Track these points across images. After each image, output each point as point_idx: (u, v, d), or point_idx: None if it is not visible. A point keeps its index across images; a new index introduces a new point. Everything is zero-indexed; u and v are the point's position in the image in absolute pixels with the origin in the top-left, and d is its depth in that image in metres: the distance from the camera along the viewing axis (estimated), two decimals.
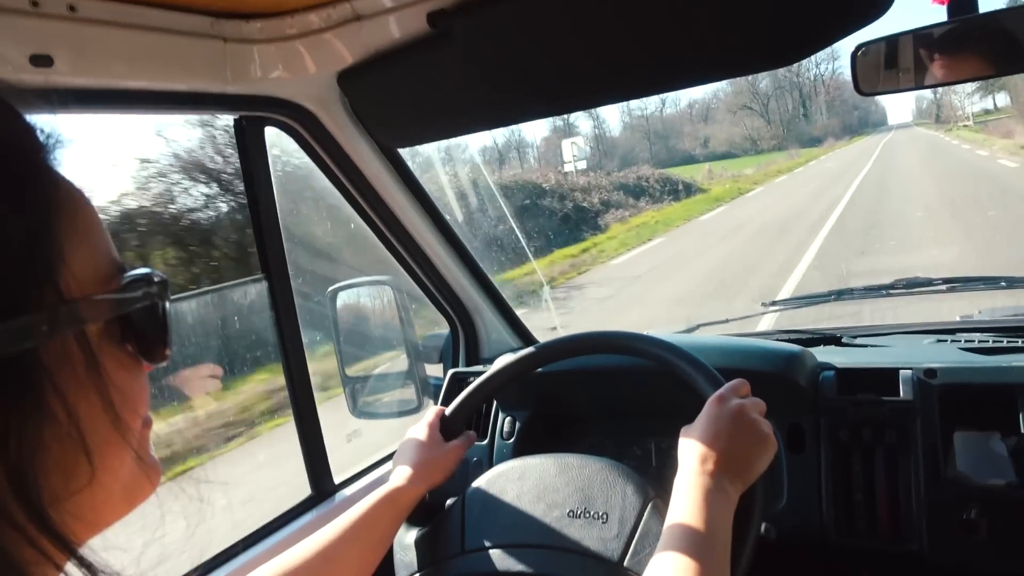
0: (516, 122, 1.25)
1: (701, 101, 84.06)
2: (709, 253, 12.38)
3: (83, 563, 0.37)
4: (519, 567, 0.96)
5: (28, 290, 0.35)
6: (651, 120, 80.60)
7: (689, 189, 26.60)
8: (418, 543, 1.04)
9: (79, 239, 0.39)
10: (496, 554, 0.98)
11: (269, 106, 1.21)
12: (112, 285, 0.41)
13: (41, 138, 0.39)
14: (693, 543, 0.74)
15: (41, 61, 0.80)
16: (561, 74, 1.07)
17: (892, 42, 1.02)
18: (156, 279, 0.44)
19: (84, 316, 0.38)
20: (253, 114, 1.23)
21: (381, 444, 1.63)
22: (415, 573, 1.02)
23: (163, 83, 1.03)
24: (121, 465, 0.41)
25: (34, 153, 0.39)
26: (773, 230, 13.41)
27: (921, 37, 1.00)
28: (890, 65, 1.03)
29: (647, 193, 23.70)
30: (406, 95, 1.20)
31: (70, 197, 0.40)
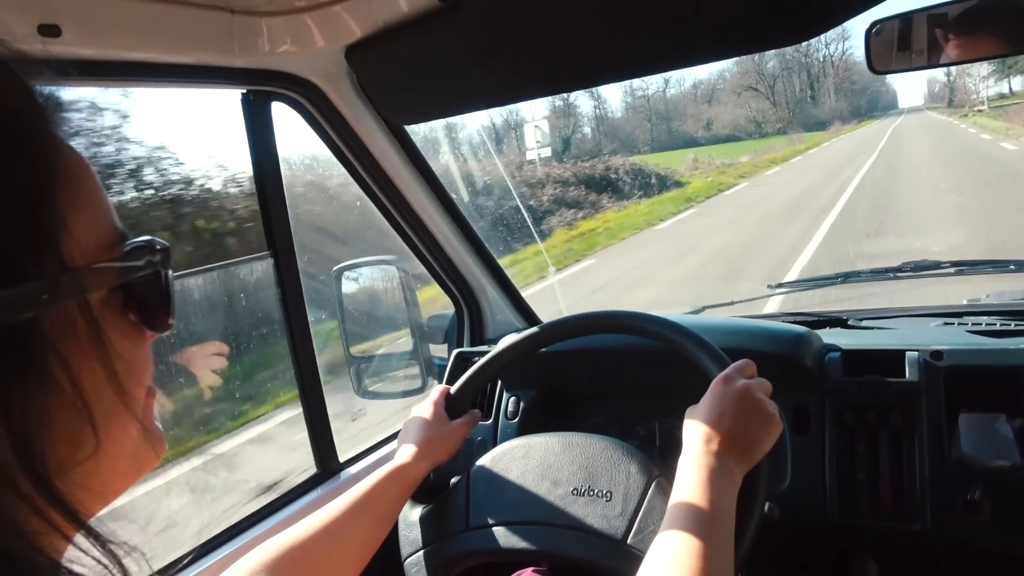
0: (524, 99, 1.24)
1: (706, 81, 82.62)
2: (643, 287, 8.79)
3: (91, 533, 0.37)
4: (523, 544, 0.97)
5: (29, 257, 0.35)
6: (653, 101, 78.99)
7: (664, 183, 22.51)
8: (423, 520, 1.05)
9: (80, 205, 0.39)
10: (500, 531, 0.99)
11: (276, 81, 1.21)
12: (114, 253, 0.41)
13: (40, 101, 0.39)
14: (697, 521, 0.74)
15: (49, 31, 0.80)
16: (569, 51, 1.06)
17: (907, 20, 1.01)
18: (158, 247, 0.44)
19: (87, 284, 0.38)
20: (260, 88, 1.22)
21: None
22: (420, 549, 1.03)
23: (170, 55, 1.02)
24: (126, 435, 0.41)
25: (33, 116, 0.38)
26: (738, 248, 10.25)
27: (937, 15, 0.98)
28: (904, 43, 1.02)
29: (613, 187, 20.23)
30: (414, 71, 1.19)
31: (71, 162, 0.39)
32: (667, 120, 79.03)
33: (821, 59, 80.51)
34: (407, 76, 1.22)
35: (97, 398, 0.38)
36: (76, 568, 0.36)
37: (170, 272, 0.45)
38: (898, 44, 1.02)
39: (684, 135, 73.91)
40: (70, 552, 0.37)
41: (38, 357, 0.35)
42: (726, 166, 30.25)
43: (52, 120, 0.39)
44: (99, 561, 0.36)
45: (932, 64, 1.01)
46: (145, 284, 0.42)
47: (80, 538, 0.37)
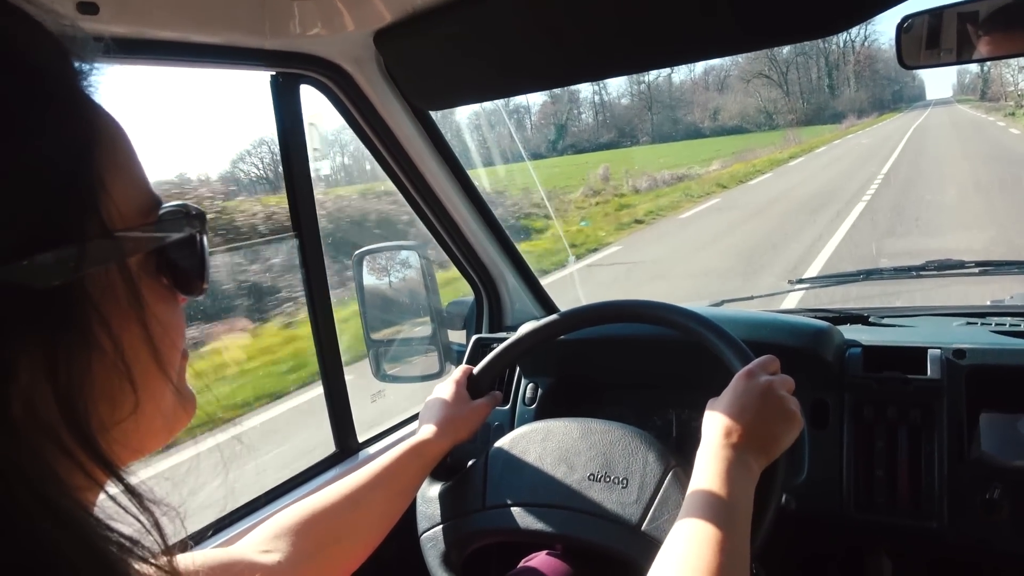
0: (552, 87, 1.24)
1: (717, 67, 78.11)
2: None
3: (130, 489, 0.37)
4: (538, 525, 0.98)
5: (72, 220, 0.35)
6: (654, 88, 74.97)
7: None
8: (441, 496, 1.06)
9: (118, 169, 0.39)
10: (516, 512, 1.00)
11: (306, 63, 1.22)
12: (151, 217, 0.41)
13: (76, 64, 0.39)
14: (714, 512, 0.75)
15: (88, 9, 0.81)
16: (599, 39, 1.06)
17: (937, 15, 1.00)
18: (193, 212, 0.45)
19: (126, 248, 0.39)
20: (289, 71, 1.23)
21: None
22: (437, 525, 1.04)
23: (202, 35, 1.03)
24: (162, 395, 0.42)
25: (71, 78, 0.39)
26: None
27: (968, 12, 0.97)
28: (934, 40, 1.01)
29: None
30: (440, 57, 1.20)
31: (108, 126, 0.40)
32: (671, 108, 74.97)
33: (841, 45, 75.91)
34: (434, 62, 1.22)
35: (136, 359, 0.39)
36: (116, 526, 0.36)
37: (204, 237, 0.46)
38: (927, 41, 1.01)
39: (688, 125, 70.24)
40: (109, 509, 0.37)
41: (81, 318, 0.36)
42: (656, 187, 19.23)
43: (86, 79, 0.40)
44: (137, 519, 0.37)
45: (962, 61, 1.00)
46: (180, 248, 0.43)
47: (119, 496, 0.37)
